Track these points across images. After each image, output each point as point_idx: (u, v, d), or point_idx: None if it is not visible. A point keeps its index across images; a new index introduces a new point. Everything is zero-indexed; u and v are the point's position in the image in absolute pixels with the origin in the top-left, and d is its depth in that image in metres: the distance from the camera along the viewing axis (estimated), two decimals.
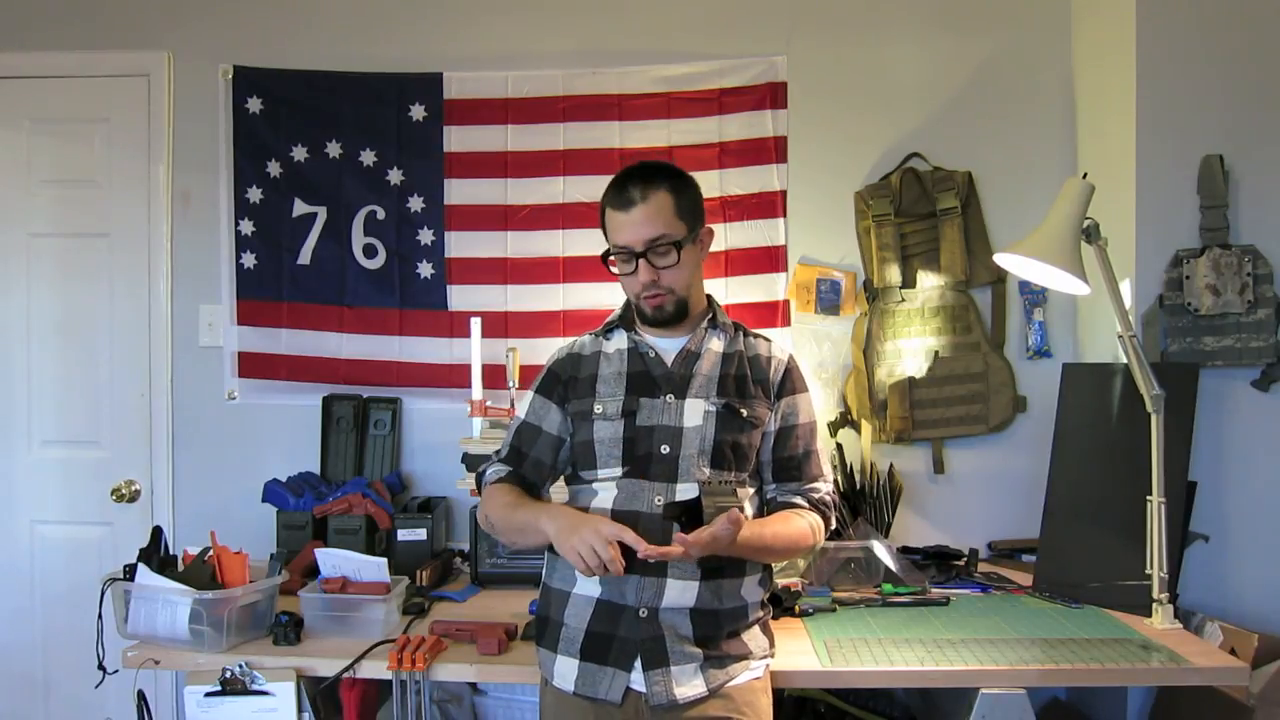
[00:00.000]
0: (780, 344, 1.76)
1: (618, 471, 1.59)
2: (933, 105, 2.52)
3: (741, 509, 1.52)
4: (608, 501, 1.57)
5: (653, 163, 1.68)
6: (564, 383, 1.69)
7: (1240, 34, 2.13)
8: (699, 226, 1.66)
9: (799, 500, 1.65)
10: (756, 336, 1.74)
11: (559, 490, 1.75)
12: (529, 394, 1.73)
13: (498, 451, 1.73)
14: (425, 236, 2.59)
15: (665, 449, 1.57)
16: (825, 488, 1.69)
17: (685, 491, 1.54)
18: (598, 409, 1.62)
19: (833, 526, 1.71)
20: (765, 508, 1.69)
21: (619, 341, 1.69)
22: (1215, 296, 2.09)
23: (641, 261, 1.59)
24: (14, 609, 2.66)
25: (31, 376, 2.68)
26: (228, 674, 1.71)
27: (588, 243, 2.53)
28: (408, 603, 1.99)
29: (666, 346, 1.67)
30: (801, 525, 1.61)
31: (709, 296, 1.73)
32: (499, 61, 2.58)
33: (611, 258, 1.64)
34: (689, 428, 1.59)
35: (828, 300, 2.53)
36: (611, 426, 1.60)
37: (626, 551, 1.51)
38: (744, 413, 1.61)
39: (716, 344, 1.68)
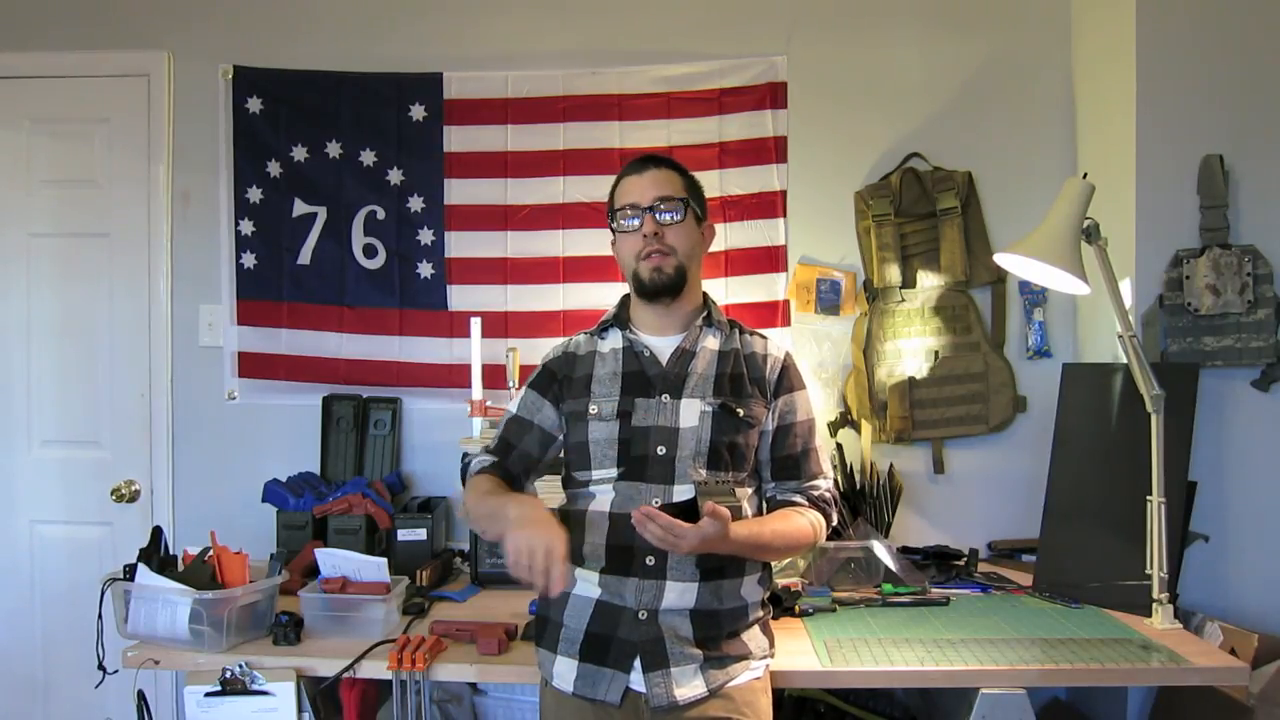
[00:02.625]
0: (777, 341, 1.75)
1: (613, 473, 1.58)
2: (933, 105, 2.52)
3: (740, 509, 1.51)
4: (605, 504, 1.57)
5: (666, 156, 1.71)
6: (559, 381, 1.68)
7: (1240, 34, 2.13)
8: (704, 215, 1.70)
9: (798, 498, 1.65)
10: (753, 334, 1.74)
11: (553, 489, 1.74)
12: (522, 388, 1.73)
13: (487, 445, 1.73)
14: (425, 236, 2.59)
15: (661, 450, 1.56)
16: (825, 485, 1.69)
17: (683, 493, 1.53)
18: (593, 409, 1.61)
19: (834, 523, 1.70)
20: (765, 506, 1.69)
21: (614, 341, 1.69)
22: (1215, 296, 2.08)
23: (647, 215, 1.61)
24: (14, 609, 2.66)
25: (31, 376, 2.68)
26: (228, 674, 1.71)
27: (588, 243, 2.54)
28: (408, 603, 1.99)
29: (661, 345, 1.66)
30: (801, 523, 1.61)
31: (705, 294, 1.73)
32: (499, 61, 2.59)
33: (616, 221, 1.65)
34: (685, 428, 1.58)
35: (828, 300, 2.53)
36: (606, 427, 1.59)
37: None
38: (740, 412, 1.61)
39: (712, 342, 1.67)
